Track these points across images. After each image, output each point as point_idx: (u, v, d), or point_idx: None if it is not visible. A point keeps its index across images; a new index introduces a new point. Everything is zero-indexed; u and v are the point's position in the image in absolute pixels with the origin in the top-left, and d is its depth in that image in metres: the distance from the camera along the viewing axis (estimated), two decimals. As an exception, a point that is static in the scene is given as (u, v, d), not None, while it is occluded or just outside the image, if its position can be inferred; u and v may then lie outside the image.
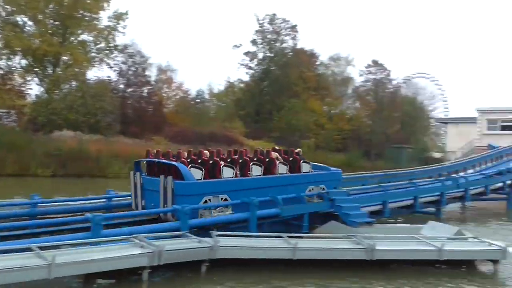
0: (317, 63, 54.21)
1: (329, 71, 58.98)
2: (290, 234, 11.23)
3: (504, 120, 45.63)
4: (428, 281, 10.06)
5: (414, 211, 18.92)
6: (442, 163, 34.70)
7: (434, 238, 11.78)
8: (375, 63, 50.54)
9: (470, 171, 27.93)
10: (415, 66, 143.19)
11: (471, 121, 49.05)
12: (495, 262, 11.05)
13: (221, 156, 13.94)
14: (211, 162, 12.99)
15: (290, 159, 15.03)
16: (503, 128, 44.81)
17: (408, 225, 14.95)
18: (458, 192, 21.55)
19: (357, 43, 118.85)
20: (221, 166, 12.90)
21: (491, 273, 10.98)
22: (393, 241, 11.34)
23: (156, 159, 13.45)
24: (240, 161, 13.68)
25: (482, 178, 23.42)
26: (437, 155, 53.15)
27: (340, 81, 58.19)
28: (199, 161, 13.07)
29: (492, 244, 11.38)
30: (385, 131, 48.17)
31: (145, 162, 14.18)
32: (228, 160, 13.75)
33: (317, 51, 52.83)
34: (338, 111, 52.50)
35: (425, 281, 10.05)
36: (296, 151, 15.74)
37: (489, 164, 29.29)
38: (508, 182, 24.40)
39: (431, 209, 20.41)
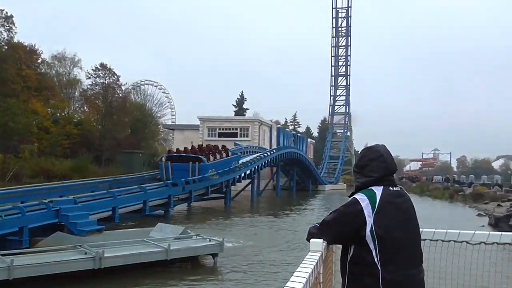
0: (39, 61, 49.41)
1: (53, 71, 54.70)
2: (6, 252, 9.85)
3: (220, 127, 51.55)
4: (157, 281, 10.36)
5: (144, 214, 19.36)
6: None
7: (162, 239, 12.27)
8: (103, 66, 49.35)
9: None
10: (143, 73, 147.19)
11: (194, 128, 53.57)
12: (214, 255, 12.24)
13: (207, 150, 28.45)
14: (203, 154, 27.07)
15: (223, 150, 29.90)
16: (220, 135, 50.55)
17: (138, 229, 15.15)
18: (184, 194, 23.20)
19: (84, 45, 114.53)
20: (209, 155, 27.39)
21: (211, 265, 12.12)
22: (123, 247, 11.27)
23: (184, 154, 26.78)
24: (210, 152, 28.22)
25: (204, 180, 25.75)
26: (166, 159, 55.54)
27: (66, 83, 54.69)
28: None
29: (212, 239, 12.61)
30: (115, 136, 47.69)
31: (166, 155, 27.92)
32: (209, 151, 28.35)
33: (38, 48, 47.88)
34: (65, 114, 49.18)
35: (155, 281, 10.32)
36: (225, 146, 31.46)
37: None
38: (225, 183, 27.65)
39: (161, 212, 21.31)
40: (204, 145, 31.55)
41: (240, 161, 31.37)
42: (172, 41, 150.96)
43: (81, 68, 55.76)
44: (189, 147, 28.80)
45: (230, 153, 30.33)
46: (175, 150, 28.78)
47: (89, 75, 49.75)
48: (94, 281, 9.88)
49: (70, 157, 40.62)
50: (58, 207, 13.63)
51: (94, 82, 49.67)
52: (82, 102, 53.61)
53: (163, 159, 26.89)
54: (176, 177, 24.18)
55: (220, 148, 29.98)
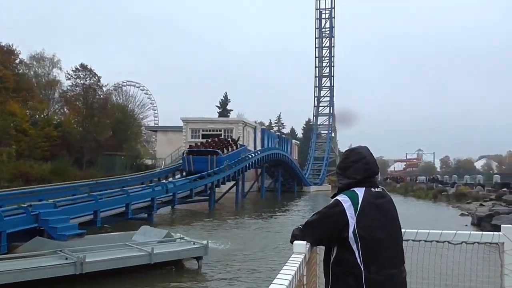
0: (17, 61, 48.46)
1: (32, 71, 53.73)
2: (-17, 258, 9.62)
3: (204, 129, 51.32)
4: (141, 285, 10.23)
5: (127, 218, 19.12)
6: (153, 170, 36.32)
7: (145, 243, 12.10)
8: (84, 67, 48.58)
9: (178, 176, 30.21)
10: (125, 74, 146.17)
11: (178, 129, 53.25)
12: (199, 258, 12.13)
13: (220, 144, 34.53)
14: (218, 148, 32.70)
15: (234, 143, 35.95)
16: (204, 136, 50.31)
17: (121, 232, 14.94)
18: (167, 196, 22.96)
19: (63, 45, 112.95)
20: (223, 148, 33.14)
21: (196, 268, 12.01)
22: (105, 251, 11.09)
23: (203, 148, 32.84)
24: (224, 145, 33.93)
25: (187, 182, 25.56)
26: (148, 161, 55.28)
27: (45, 84, 53.75)
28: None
29: (196, 242, 12.49)
30: (96, 138, 47.07)
31: (187, 150, 33.27)
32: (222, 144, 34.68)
33: (16, 48, 46.93)
34: (44, 116, 48.32)
35: (138, 286, 10.19)
36: (236, 139, 38.25)
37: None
38: (209, 185, 27.50)
39: (144, 215, 21.07)
40: (216, 139, 36.93)
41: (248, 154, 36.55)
42: (155, 42, 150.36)
43: (60, 68, 54.72)
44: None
45: (238, 146, 35.89)
46: (194, 145, 34.58)
47: (69, 76, 48.92)
48: (75, 287, 9.71)
49: (50, 160, 39.93)
50: (38, 212, 13.36)
51: (74, 83, 48.85)
52: (62, 103, 52.69)
53: (185, 153, 32.14)
54: (197, 168, 28.42)
55: (230, 141, 35.95)
